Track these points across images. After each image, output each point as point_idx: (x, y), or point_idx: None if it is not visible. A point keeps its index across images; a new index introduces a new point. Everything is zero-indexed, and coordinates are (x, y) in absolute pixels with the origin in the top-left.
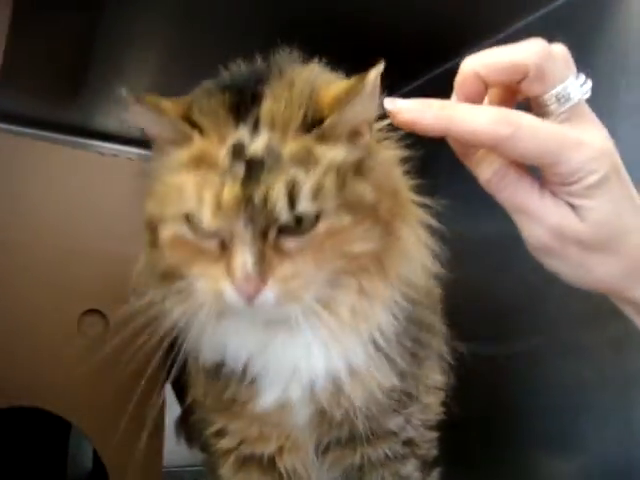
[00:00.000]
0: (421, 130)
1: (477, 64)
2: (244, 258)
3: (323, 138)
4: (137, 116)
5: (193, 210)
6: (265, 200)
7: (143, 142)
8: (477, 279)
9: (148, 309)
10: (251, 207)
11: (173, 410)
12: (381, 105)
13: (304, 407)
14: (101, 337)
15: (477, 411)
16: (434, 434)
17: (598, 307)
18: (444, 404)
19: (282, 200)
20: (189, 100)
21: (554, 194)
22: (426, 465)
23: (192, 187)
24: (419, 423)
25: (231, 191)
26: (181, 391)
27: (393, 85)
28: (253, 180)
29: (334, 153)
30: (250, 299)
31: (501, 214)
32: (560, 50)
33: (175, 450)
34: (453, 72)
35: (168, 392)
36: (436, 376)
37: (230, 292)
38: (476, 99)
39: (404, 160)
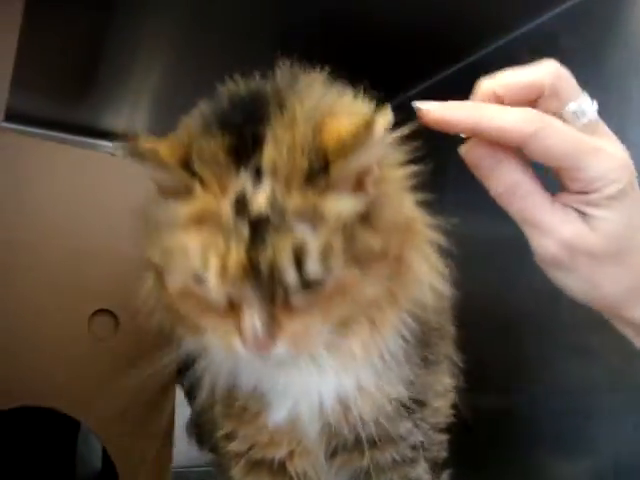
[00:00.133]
0: (451, 128)
1: (495, 84)
2: (253, 320)
3: (329, 188)
4: (135, 162)
5: (199, 273)
6: (272, 266)
7: None
8: (486, 286)
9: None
10: (258, 273)
11: (182, 410)
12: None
13: (314, 422)
14: (111, 337)
15: (487, 413)
16: (444, 436)
17: None
18: (454, 406)
19: (289, 266)
20: (187, 142)
21: (565, 205)
22: (436, 467)
23: (196, 249)
24: (428, 427)
25: (236, 257)
26: (190, 391)
27: (405, 85)
28: (259, 241)
29: (341, 206)
30: (261, 354)
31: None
32: (567, 71)
33: (182, 451)
34: (464, 73)
35: (178, 392)
36: (446, 380)
37: (241, 348)
38: None
39: (413, 175)
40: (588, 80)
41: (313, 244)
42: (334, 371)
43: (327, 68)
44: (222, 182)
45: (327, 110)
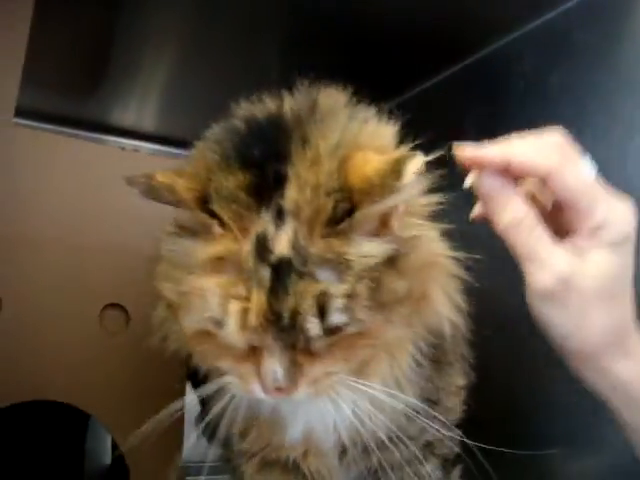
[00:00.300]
0: (486, 164)
1: (501, 160)
2: (273, 368)
3: (354, 231)
4: (136, 186)
5: (218, 319)
6: (294, 315)
7: (160, 138)
8: (494, 286)
9: None
10: (279, 320)
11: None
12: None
13: (328, 438)
14: (123, 331)
15: (496, 411)
16: (455, 433)
17: None
18: (465, 403)
19: (312, 315)
20: (205, 178)
21: (567, 243)
22: (447, 464)
23: (216, 294)
24: (440, 425)
25: (258, 303)
26: (198, 384)
27: (409, 83)
28: (280, 287)
29: (367, 251)
30: (281, 399)
31: None
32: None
33: (190, 445)
34: (473, 69)
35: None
36: (458, 379)
37: (259, 392)
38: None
39: (437, 204)
40: (598, 76)
41: (337, 292)
42: (350, 400)
43: (335, 74)
44: (242, 223)
45: (352, 143)
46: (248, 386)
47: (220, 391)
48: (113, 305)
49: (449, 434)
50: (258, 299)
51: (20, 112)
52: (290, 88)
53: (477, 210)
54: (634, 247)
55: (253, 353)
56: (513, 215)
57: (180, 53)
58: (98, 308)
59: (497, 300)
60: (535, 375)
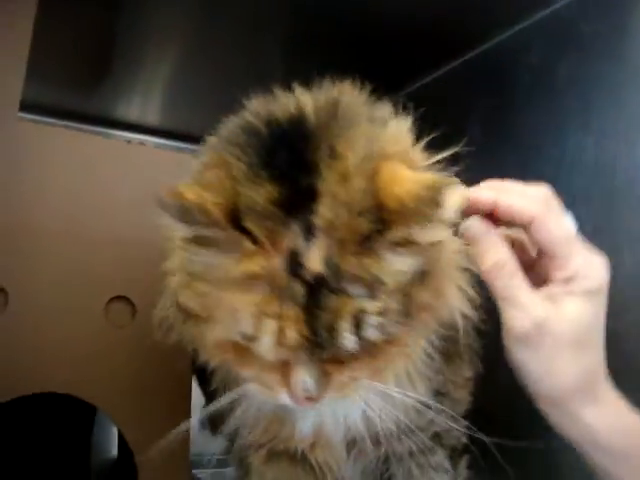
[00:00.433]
0: (475, 203)
1: (491, 202)
2: (304, 378)
3: (387, 249)
4: (167, 210)
5: (251, 336)
6: (330, 333)
7: (164, 132)
8: None
9: None
10: (315, 339)
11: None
12: None
13: (338, 433)
14: (129, 324)
15: (502, 401)
16: (463, 423)
17: (624, 294)
18: (472, 393)
19: (348, 331)
20: (232, 191)
21: (544, 291)
22: (455, 453)
23: (250, 313)
24: (447, 417)
25: (293, 322)
26: (204, 378)
27: (412, 77)
28: (315, 305)
29: (398, 269)
30: (309, 406)
31: None
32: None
33: (195, 437)
34: (475, 63)
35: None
36: (466, 371)
37: (286, 400)
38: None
39: None
40: (606, 68)
41: (371, 308)
42: (363, 397)
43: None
44: (274, 239)
45: (378, 153)
46: (275, 394)
47: (229, 386)
48: (119, 298)
49: (457, 424)
50: (294, 317)
51: (25, 107)
52: (295, 82)
53: None
54: (606, 299)
55: (281, 363)
56: (496, 258)
57: (183, 49)
58: (104, 301)
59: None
60: None
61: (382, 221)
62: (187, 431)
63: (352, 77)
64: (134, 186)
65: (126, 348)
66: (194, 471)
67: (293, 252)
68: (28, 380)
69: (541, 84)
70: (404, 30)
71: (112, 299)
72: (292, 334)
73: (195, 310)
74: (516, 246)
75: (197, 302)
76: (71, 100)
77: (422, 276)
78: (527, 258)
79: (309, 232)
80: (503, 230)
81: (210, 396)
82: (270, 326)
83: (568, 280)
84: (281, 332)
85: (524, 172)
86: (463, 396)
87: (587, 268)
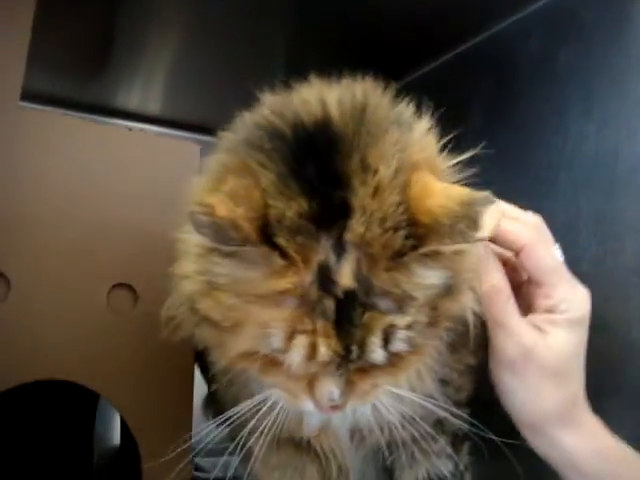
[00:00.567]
0: None
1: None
2: (331, 389)
3: (417, 262)
4: (202, 229)
5: (281, 350)
6: (361, 349)
7: (165, 121)
8: None
9: None
10: (345, 355)
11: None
12: None
13: (345, 425)
14: (130, 311)
15: None
16: (465, 410)
17: (625, 282)
18: (474, 381)
19: (379, 347)
20: (261, 204)
21: (531, 321)
22: (457, 440)
23: (278, 327)
24: (450, 404)
25: (327, 340)
26: (207, 367)
27: (412, 65)
28: (345, 320)
29: (428, 284)
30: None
31: None
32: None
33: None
34: (476, 51)
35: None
36: (469, 359)
37: (310, 407)
38: None
39: None
40: (608, 56)
41: (401, 323)
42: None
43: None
44: (304, 254)
45: (408, 164)
46: (300, 402)
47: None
48: (121, 285)
49: (459, 411)
50: (325, 332)
51: (25, 96)
52: (297, 70)
53: None
54: (587, 330)
55: (308, 375)
56: (495, 282)
57: (185, 36)
58: (106, 288)
59: None
60: None
61: (415, 236)
62: (189, 420)
63: (352, 65)
64: (135, 173)
65: (128, 335)
66: (196, 459)
67: (324, 267)
68: (30, 367)
69: (542, 72)
70: (404, 19)
71: (114, 286)
72: (323, 350)
73: (216, 319)
74: (507, 267)
75: (219, 312)
76: (71, 89)
77: (449, 289)
78: (516, 280)
79: (340, 247)
80: (496, 248)
81: (210, 383)
82: (301, 341)
83: (553, 309)
84: (312, 347)
85: (526, 161)
86: (465, 383)
87: (571, 299)
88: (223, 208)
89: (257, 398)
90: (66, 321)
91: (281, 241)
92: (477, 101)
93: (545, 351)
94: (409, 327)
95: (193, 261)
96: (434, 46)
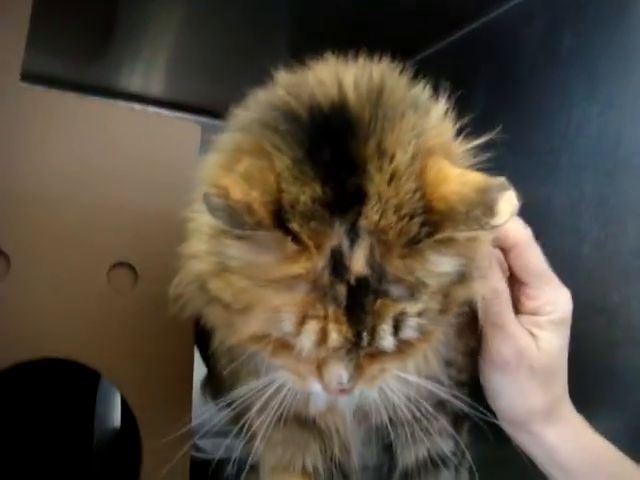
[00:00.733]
0: None
1: None
2: (340, 373)
3: (431, 249)
4: (216, 212)
5: (292, 334)
6: (372, 335)
7: (167, 103)
8: None
9: None
10: (356, 341)
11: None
12: None
13: (350, 407)
14: (131, 290)
15: None
16: (465, 390)
17: (627, 266)
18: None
19: (389, 333)
20: (276, 188)
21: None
22: (458, 419)
23: (289, 311)
24: (452, 383)
25: (338, 326)
26: (205, 347)
27: (413, 49)
28: (356, 307)
29: (442, 271)
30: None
31: None
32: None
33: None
34: (479, 34)
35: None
36: (472, 340)
37: (318, 389)
38: None
39: None
40: (611, 40)
41: (412, 310)
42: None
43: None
44: (317, 239)
45: (424, 149)
46: (308, 384)
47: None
48: (121, 264)
49: (460, 391)
50: (336, 318)
51: (25, 77)
52: (301, 50)
53: None
54: (569, 330)
55: (317, 357)
56: (496, 285)
57: (187, 18)
58: (106, 267)
59: None
60: None
61: (431, 223)
62: (189, 400)
63: (356, 46)
64: (136, 153)
65: (129, 314)
66: (197, 441)
67: (336, 253)
68: (30, 345)
69: (544, 56)
70: (407, 1)
71: (114, 265)
72: (334, 335)
73: (227, 301)
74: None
75: (230, 294)
76: (73, 70)
77: (462, 276)
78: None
79: (354, 233)
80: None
81: (211, 365)
82: (312, 327)
83: (537, 311)
84: (323, 333)
85: (528, 143)
86: (467, 364)
87: (555, 301)
88: (238, 191)
89: (263, 381)
90: (66, 300)
91: (294, 226)
92: (480, 84)
93: (536, 353)
94: (420, 314)
95: (205, 241)
96: (436, 30)
